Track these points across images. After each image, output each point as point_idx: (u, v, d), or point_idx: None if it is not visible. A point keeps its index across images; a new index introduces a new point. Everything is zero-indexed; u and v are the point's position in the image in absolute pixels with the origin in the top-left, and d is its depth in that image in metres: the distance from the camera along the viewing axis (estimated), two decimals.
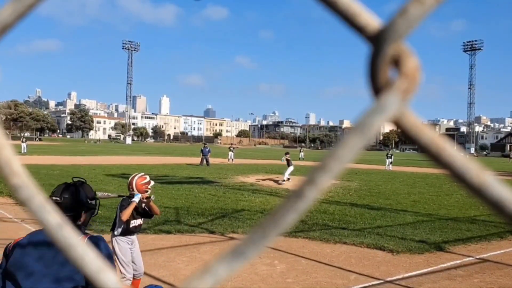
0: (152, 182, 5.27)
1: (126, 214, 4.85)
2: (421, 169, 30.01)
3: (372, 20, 0.29)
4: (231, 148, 36.19)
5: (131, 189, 5.05)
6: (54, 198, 2.34)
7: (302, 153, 43.40)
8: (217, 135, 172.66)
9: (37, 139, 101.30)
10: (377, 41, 0.29)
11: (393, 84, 0.28)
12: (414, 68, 0.28)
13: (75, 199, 2.36)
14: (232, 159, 34.15)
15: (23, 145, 37.90)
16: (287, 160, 19.79)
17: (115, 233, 4.96)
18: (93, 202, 2.49)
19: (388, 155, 31.75)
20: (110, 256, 2.34)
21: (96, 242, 2.24)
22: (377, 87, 0.29)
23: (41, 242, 2.15)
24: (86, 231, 2.46)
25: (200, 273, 0.28)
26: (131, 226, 4.98)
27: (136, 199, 4.91)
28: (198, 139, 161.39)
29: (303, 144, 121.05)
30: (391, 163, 30.91)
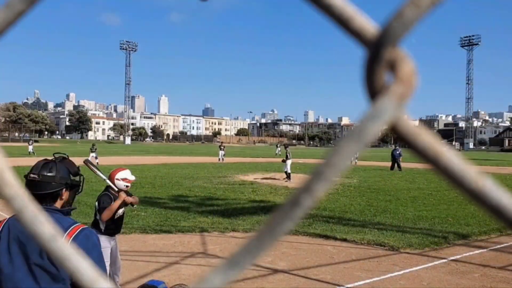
0: (133, 177, 4.94)
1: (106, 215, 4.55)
2: (420, 165, 29.89)
3: (367, 24, 0.29)
4: (221, 147, 35.47)
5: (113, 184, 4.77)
6: (31, 175, 2.12)
7: (278, 149, 44.73)
8: (216, 134, 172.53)
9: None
10: (372, 45, 0.28)
11: (389, 89, 0.28)
12: (409, 72, 0.28)
13: (55, 175, 2.14)
14: (223, 159, 33.41)
15: (30, 147, 39.49)
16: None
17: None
18: (77, 178, 2.26)
19: None
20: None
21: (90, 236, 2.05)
22: (373, 92, 0.28)
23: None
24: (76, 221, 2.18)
25: (196, 283, 0.28)
26: (115, 217, 4.67)
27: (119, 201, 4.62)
28: (197, 138, 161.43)
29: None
30: (356, 158, 30.05)
